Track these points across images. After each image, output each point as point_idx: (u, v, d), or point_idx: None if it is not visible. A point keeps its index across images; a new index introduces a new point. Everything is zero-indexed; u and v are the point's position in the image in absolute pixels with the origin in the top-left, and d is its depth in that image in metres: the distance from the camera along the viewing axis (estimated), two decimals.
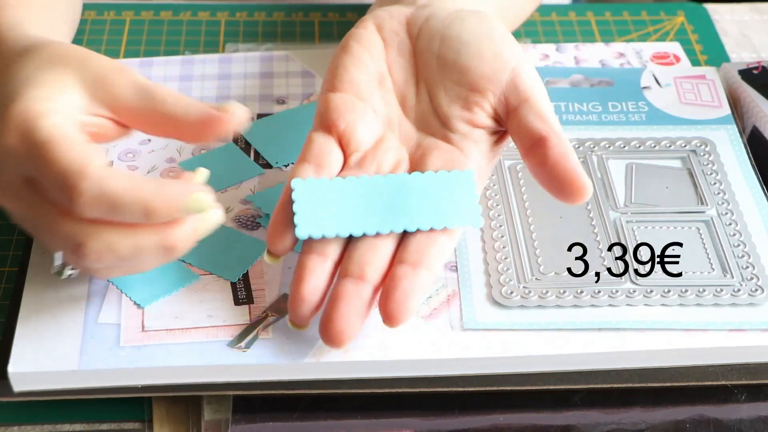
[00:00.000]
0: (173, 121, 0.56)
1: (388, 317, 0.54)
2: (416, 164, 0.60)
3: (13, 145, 0.53)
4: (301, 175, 0.58)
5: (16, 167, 0.53)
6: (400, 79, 0.62)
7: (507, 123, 0.59)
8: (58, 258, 0.57)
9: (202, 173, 0.56)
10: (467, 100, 0.60)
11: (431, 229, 0.57)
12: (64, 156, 0.52)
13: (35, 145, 0.52)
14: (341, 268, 0.56)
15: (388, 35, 0.62)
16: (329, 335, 0.54)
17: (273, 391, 0.56)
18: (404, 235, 0.57)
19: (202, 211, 0.53)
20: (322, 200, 0.57)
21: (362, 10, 0.84)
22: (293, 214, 0.57)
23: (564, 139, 0.57)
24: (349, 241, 0.57)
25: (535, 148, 0.57)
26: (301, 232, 0.56)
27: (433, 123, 0.61)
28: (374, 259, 0.56)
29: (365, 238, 0.57)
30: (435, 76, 0.61)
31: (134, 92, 0.56)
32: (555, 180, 0.56)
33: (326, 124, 0.60)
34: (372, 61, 0.61)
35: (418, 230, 0.57)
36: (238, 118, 0.56)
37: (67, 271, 0.58)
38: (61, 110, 0.54)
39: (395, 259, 0.56)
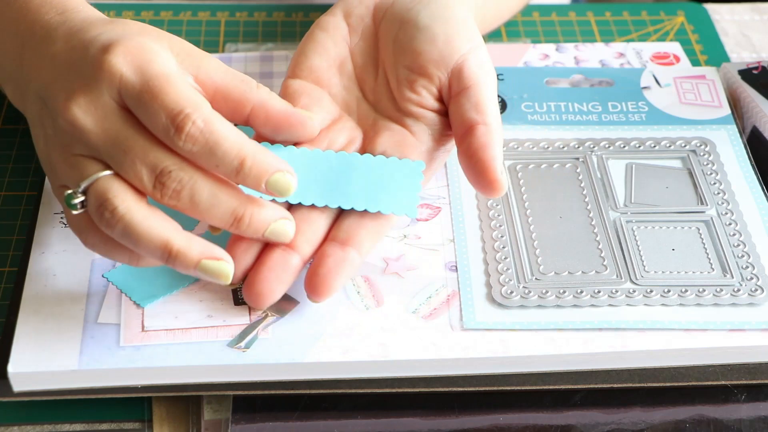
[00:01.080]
0: (258, 106, 0.57)
1: (311, 291, 0.57)
2: (367, 143, 0.62)
3: (124, 70, 0.54)
4: None
5: (119, 91, 0.54)
6: (361, 62, 0.63)
7: (448, 108, 0.61)
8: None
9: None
10: (415, 83, 0.61)
11: (365, 211, 0.58)
12: (180, 89, 0.53)
13: (152, 76, 0.54)
14: None
15: (354, 21, 0.64)
16: (248, 295, 0.57)
17: (273, 391, 0.56)
18: (341, 213, 0.59)
19: (283, 192, 0.54)
20: None
21: None
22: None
23: (494, 131, 0.58)
24: (288, 209, 0.58)
25: (462, 138, 0.59)
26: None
27: (388, 105, 0.63)
28: (307, 230, 0.58)
29: (302, 209, 0.58)
30: (391, 59, 0.62)
31: (223, 70, 0.58)
32: (471, 170, 0.58)
33: None
34: (334, 47, 0.63)
35: (352, 209, 0.58)
36: (314, 126, 0.59)
37: (77, 200, 0.55)
38: (171, 58, 0.56)
39: (328, 236, 0.58)
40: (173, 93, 0.53)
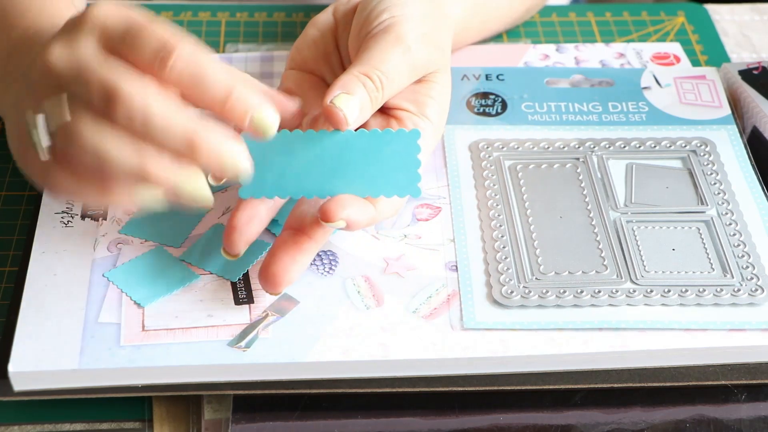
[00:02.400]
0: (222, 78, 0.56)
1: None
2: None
3: (108, 12, 0.54)
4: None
5: (102, 31, 0.54)
6: (345, 52, 0.66)
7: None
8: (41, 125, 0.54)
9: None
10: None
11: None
12: (167, 28, 0.54)
13: (137, 16, 0.54)
14: (286, 220, 0.60)
15: (339, 17, 0.67)
16: (264, 279, 0.57)
17: (273, 391, 0.56)
18: None
19: (265, 131, 0.54)
20: (264, 158, 0.56)
21: None
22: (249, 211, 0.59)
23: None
24: None
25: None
26: (244, 193, 0.57)
27: None
28: (313, 212, 0.59)
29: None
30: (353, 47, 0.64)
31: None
32: None
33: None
34: (322, 40, 0.67)
35: None
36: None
37: (41, 135, 0.54)
38: None
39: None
40: (161, 26, 0.53)
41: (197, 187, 0.53)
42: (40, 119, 0.53)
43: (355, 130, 0.58)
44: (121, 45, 0.54)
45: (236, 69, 0.55)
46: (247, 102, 0.54)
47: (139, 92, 0.52)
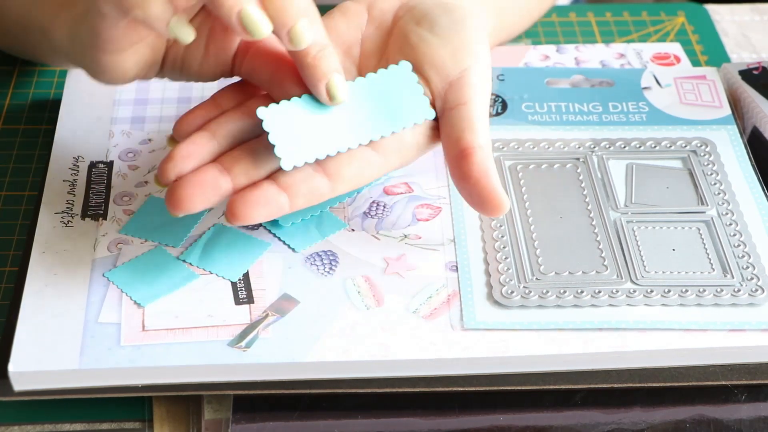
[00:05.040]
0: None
1: (228, 213, 0.56)
2: None
3: None
4: None
5: None
6: (368, 51, 0.64)
7: (440, 119, 0.61)
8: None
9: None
10: None
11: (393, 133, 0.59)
12: None
13: None
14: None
15: (375, 13, 0.64)
16: (169, 199, 0.56)
17: (273, 391, 0.56)
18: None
19: (251, 32, 0.54)
20: (291, 123, 0.57)
21: None
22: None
23: (487, 153, 0.59)
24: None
25: (459, 160, 0.59)
26: (287, 165, 0.56)
27: None
28: (250, 164, 0.57)
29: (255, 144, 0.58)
30: (396, 54, 0.62)
31: None
32: (476, 196, 0.59)
33: None
34: (347, 31, 0.64)
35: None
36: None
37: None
38: None
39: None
40: None
41: (254, 17, 0.54)
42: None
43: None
44: None
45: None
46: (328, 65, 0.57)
47: None
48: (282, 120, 0.57)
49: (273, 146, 0.56)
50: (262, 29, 0.54)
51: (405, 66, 0.60)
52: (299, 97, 0.58)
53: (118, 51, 0.58)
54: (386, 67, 0.60)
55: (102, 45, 0.58)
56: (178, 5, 0.54)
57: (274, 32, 0.55)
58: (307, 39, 0.56)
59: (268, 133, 0.56)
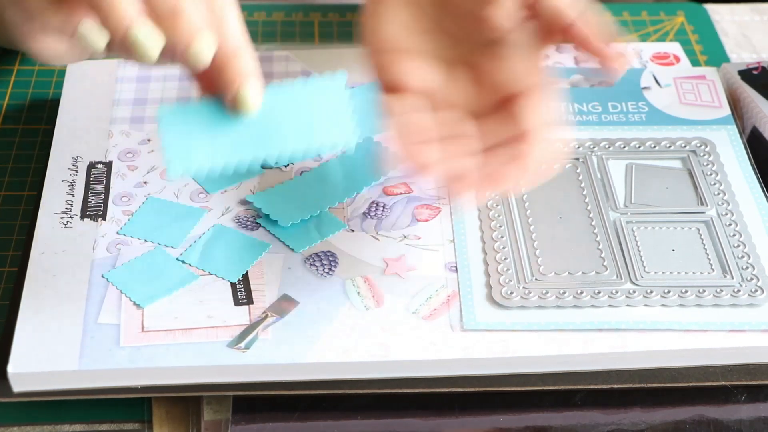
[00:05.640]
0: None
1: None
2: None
3: None
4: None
5: None
6: (430, 13, 0.61)
7: (533, 9, 0.59)
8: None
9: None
10: None
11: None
12: None
13: None
14: None
15: None
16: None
17: (273, 392, 0.56)
18: None
19: (140, 52, 0.51)
20: (190, 128, 0.53)
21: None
22: None
23: (589, 20, 0.58)
24: None
25: (565, 34, 0.58)
26: (174, 173, 0.52)
27: (474, 40, 0.60)
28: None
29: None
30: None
31: None
32: (596, 59, 0.58)
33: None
34: (401, 11, 0.61)
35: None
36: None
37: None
38: None
39: None
40: None
41: (150, 42, 0.50)
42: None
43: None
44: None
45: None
46: (242, 71, 0.52)
47: None
48: (181, 123, 0.53)
49: (163, 150, 0.52)
50: (152, 53, 0.50)
51: (340, 78, 0.56)
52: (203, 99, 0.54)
53: (44, 39, 0.54)
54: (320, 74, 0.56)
55: (25, 33, 0.54)
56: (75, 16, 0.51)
57: (169, 51, 0.51)
58: (206, 58, 0.52)
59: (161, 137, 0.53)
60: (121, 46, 0.51)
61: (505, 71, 0.59)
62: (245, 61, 0.53)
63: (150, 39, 0.50)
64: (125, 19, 0.50)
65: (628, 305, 0.59)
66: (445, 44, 0.61)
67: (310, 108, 0.55)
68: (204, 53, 0.51)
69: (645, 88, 0.73)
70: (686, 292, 0.60)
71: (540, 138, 0.56)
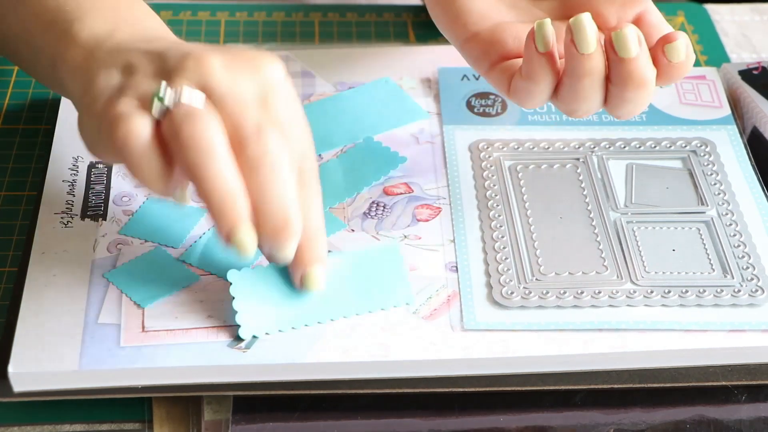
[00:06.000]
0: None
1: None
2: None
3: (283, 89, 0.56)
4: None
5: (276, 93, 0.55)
6: None
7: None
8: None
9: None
10: None
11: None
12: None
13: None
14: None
15: None
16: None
17: (273, 392, 0.56)
18: None
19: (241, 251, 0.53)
20: (259, 291, 0.58)
21: (362, 10, 0.84)
22: None
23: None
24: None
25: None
26: (245, 334, 0.56)
27: None
28: None
29: None
30: None
31: None
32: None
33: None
34: None
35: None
36: None
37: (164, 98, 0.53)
38: None
39: None
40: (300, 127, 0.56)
41: (247, 242, 0.53)
42: (168, 89, 0.53)
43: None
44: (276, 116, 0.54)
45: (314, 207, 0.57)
46: (317, 253, 0.57)
47: (281, 152, 0.53)
48: (250, 286, 0.58)
49: (235, 313, 0.56)
50: (249, 252, 0.53)
51: (394, 248, 0.60)
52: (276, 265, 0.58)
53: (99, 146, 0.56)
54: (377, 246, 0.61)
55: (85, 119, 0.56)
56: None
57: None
58: (321, 283, 0.57)
59: (233, 298, 0.57)
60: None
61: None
62: (320, 245, 0.57)
63: (249, 240, 0.53)
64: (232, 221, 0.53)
65: (628, 305, 0.59)
66: (530, 6, 0.63)
67: (371, 273, 0.60)
68: (288, 255, 0.55)
69: None
70: (686, 292, 0.60)
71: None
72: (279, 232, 0.53)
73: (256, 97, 0.54)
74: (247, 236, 0.52)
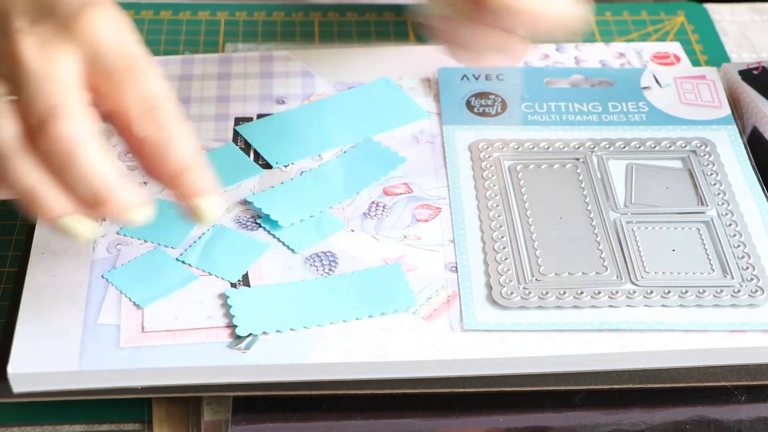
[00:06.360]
0: None
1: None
2: None
3: (106, 38, 0.53)
4: None
5: (87, 55, 0.53)
6: None
7: None
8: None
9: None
10: None
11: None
12: (159, 76, 0.54)
13: (130, 50, 0.54)
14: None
15: None
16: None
17: (273, 392, 0.56)
18: None
19: (201, 218, 0.54)
20: (255, 304, 0.58)
21: (362, 10, 0.84)
22: None
23: None
24: None
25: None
26: (242, 331, 0.57)
27: None
28: None
29: None
30: None
31: None
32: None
33: None
34: None
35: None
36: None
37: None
38: None
39: None
40: (154, 75, 0.53)
41: (79, 228, 0.53)
42: None
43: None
44: (108, 75, 0.53)
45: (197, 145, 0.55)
46: (195, 186, 0.53)
47: (73, 134, 0.51)
48: (246, 300, 0.58)
49: (234, 327, 0.57)
50: (89, 236, 0.53)
51: (396, 265, 0.60)
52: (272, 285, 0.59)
53: None
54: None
55: None
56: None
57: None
58: (210, 214, 0.54)
59: (230, 306, 0.58)
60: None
61: None
62: (196, 178, 0.54)
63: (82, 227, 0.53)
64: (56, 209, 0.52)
65: (628, 305, 0.59)
66: None
67: (371, 286, 0.59)
68: (211, 209, 0.54)
69: (645, 88, 0.73)
70: (686, 292, 0.60)
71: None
72: (99, 207, 0.52)
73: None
74: (72, 224, 0.52)
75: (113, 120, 0.54)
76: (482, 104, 0.72)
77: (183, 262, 0.61)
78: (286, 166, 0.67)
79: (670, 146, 0.69)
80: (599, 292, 0.59)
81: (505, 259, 0.61)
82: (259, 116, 0.71)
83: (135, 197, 0.52)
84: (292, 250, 0.62)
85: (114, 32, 0.53)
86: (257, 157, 0.68)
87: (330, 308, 0.58)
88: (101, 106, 0.54)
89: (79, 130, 0.51)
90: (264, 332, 0.57)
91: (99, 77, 0.53)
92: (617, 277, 0.60)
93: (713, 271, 0.61)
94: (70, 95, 0.52)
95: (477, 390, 0.57)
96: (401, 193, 0.66)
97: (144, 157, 0.54)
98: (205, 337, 0.57)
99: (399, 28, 0.83)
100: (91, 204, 0.52)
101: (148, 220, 0.53)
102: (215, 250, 0.61)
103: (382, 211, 0.64)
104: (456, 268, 0.61)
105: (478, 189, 0.66)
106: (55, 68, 0.52)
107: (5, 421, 0.57)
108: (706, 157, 0.68)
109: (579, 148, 0.69)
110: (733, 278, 0.60)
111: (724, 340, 0.57)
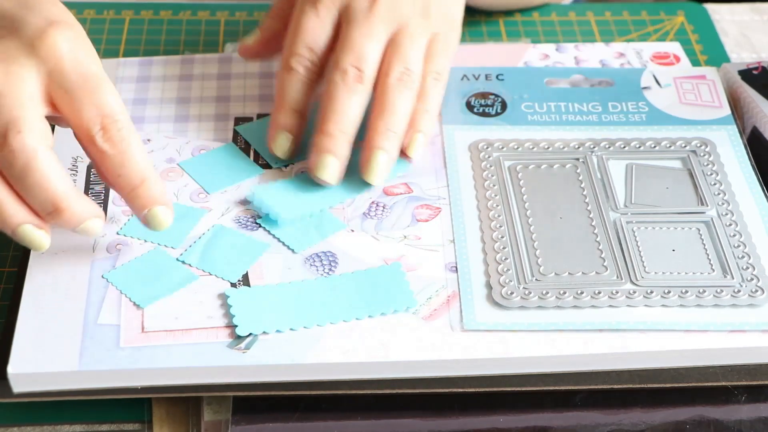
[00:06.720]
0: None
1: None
2: None
3: (66, 51, 0.57)
4: None
5: (51, 72, 0.57)
6: None
7: None
8: None
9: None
10: None
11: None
12: (114, 93, 0.58)
13: (92, 70, 0.58)
14: None
15: None
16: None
17: (273, 392, 0.56)
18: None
19: (158, 225, 0.58)
20: (255, 303, 0.58)
21: None
22: None
23: None
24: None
25: None
26: (242, 331, 0.57)
27: None
28: None
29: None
30: None
31: None
32: None
33: None
34: None
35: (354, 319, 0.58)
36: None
37: None
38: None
39: None
40: (109, 93, 0.57)
41: (34, 237, 0.57)
42: None
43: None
44: (63, 95, 0.56)
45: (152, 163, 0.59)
46: (151, 195, 0.58)
47: (31, 146, 0.55)
48: (246, 300, 0.58)
49: (234, 327, 0.57)
50: (42, 245, 0.57)
51: (396, 265, 0.60)
52: (275, 284, 0.59)
53: None
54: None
55: None
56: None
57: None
58: (163, 221, 0.59)
59: (230, 306, 0.58)
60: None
61: None
62: (150, 189, 0.58)
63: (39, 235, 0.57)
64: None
65: (628, 305, 0.59)
66: None
67: (371, 287, 0.60)
68: (165, 216, 0.59)
69: (645, 88, 0.73)
70: (686, 292, 0.60)
71: None
72: (54, 216, 0.56)
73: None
74: (28, 233, 0.57)
75: (75, 135, 0.58)
76: (482, 104, 0.72)
77: (183, 262, 0.61)
78: (286, 166, 0.67)
79: (670, 146, 0.69)
80: (599, 292, 0.59)
81: (505, 259, 0.61)
82: (259, 116, 0.71)
83: (89, 208, 0.57)
84: (292, 250, 0.62)
85: (74, 51, 0.57)
86: (257, 157, 0.68)
87: (330, 308, 0.58)
88: (62, 121, 0.58)
89: (36, 143, 0.55)
90: (264, 332, 0.57)
91: (59, 94, 0.56)
92: (617, 277, 0.60)
93: (713, 271, 0.61)
94: (29, 110, 0.55)
95: (477, 390, 0.57)
96: (401, 193, 0.66)
97: (103, 171, 0.58)
98: (205, 337, 0.57)
99: None
100: (47, 213, 0.56)
101: (99, 233, 0.57)
102: (215, 250, 0.61)
103: (382, 211, 0.64)
104: (456, 268, 0.61)
105: (478, 189, 0.66)
106: (16, 84, 0.55)
107: (5, 421, 0.57)
108: (706, 157, 0.68)
109: (579, 148, 0.69)
110: (733, 278, 0.60)
111: (724, 340, 0.57)
